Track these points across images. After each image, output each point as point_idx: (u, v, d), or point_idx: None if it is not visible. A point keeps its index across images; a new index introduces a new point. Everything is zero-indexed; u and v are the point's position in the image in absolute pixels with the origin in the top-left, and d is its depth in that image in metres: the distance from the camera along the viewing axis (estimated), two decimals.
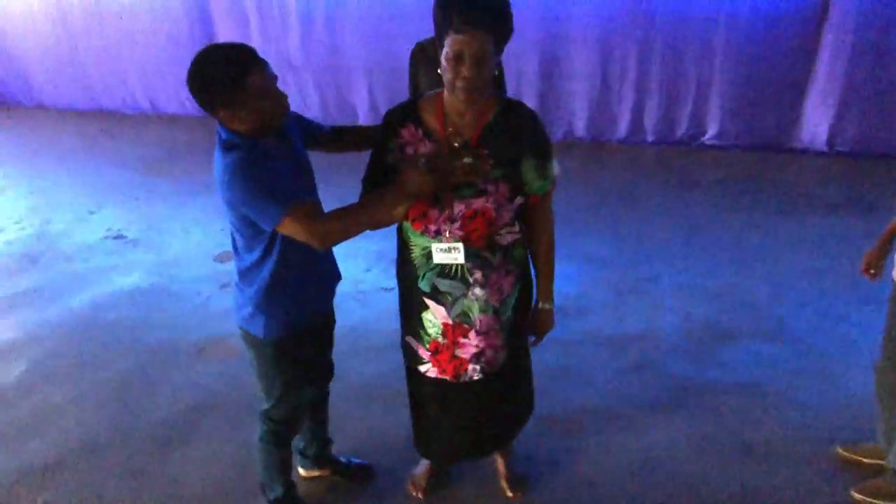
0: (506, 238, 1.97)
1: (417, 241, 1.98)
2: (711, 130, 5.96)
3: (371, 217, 1.86)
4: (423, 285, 2.02)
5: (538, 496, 2.51)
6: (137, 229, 4.89)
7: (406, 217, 1.94)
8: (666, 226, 4.61)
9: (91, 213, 5.21)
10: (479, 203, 1.88)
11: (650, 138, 6.14)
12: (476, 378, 2.11)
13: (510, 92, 3.65)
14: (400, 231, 2.05)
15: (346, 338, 3.34)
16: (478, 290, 1.98)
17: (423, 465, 2.54)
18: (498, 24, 1.73)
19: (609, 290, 3.83)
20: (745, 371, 3.15)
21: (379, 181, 1.96)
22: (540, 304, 2.14)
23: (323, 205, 1.97)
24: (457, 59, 1.70)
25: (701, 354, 3.28)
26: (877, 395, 2.43)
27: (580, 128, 6.29)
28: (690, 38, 5.69)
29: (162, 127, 7.44)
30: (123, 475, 2.69)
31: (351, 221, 1.84)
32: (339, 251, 2.06)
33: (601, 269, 4.05)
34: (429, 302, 2.04)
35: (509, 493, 2.48)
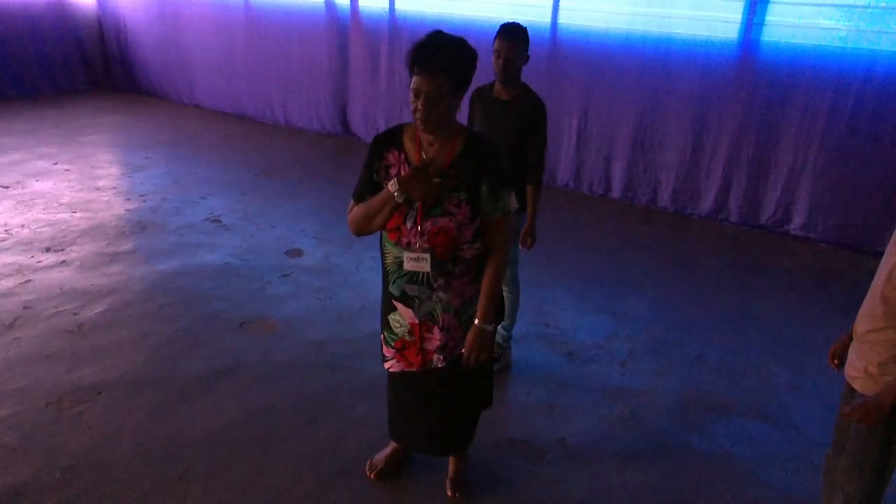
0: (468, 252, 2.26)
1: (391, 250, 2.30)
2: (798, 220, 5.82)
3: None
4: (394, 290, 2.34)
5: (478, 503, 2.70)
6: (233, 217, 5.57)
7: (385, 227, 2.26)
8: (716, 303, 4.60)
9: (202, 198, 5.97)
10: (443, 221, 2.19)
11: (733, 218, 6.09)
12: (440, 366, 2.40)
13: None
14: (381, 242, 2.38)
15: (366, 340, 3.70)
16: (441, 294, 2.29)
17: (384, 452, 2.83)
18: (450, 69, 2.04)
19: (624, 347, 3.92)
20: (727, 444, 3.15)
21: (367, 196, 2.24)
22: (476, 322, 2.33)
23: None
24: (415, 95, 2.06)
25: (690, 420, 3.32)
26: (823, 482, 2.42)
27: (664, 198, 6.36)
28: (789, 124, 5.66)
29: (288, 138, 8.32)
30: (147, 409, 3.18)
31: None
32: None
33: (627, 327, 4.13)
34: (397, 304, 2.36)
35: (448, 492, 2.70)
